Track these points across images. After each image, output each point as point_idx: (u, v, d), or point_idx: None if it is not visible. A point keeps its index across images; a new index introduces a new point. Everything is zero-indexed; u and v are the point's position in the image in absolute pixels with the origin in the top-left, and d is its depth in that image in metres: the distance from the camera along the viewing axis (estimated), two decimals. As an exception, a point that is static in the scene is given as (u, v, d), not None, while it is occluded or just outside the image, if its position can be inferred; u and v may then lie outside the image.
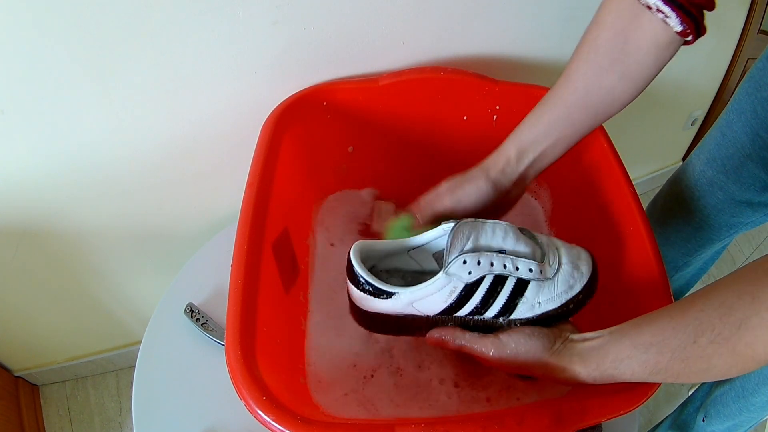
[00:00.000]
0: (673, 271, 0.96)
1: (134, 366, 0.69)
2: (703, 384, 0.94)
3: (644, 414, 1.17)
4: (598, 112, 0.53)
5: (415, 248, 0.57)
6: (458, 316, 0.53)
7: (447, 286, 0.50)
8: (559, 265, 0.52)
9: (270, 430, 0.45)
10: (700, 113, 1.37)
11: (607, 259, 0.66)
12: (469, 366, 0.66)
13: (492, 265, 0.50)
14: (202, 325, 0.71)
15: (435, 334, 0.54)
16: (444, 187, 0.59)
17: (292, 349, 0.64)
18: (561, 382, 0.49)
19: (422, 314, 0.53)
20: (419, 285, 0.51)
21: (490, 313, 0.52)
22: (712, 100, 1.36)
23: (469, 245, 0.50)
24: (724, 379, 0.43)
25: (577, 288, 0.52)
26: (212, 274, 0.77)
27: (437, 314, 0.53)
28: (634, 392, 0.48)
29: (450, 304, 0.51)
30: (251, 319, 0.52)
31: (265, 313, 0.54)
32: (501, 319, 0.52)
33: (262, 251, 0.57)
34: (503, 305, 0.51)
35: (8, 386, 1.10)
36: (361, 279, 0.52)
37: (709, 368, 0.39)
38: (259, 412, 0.45)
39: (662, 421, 1.04)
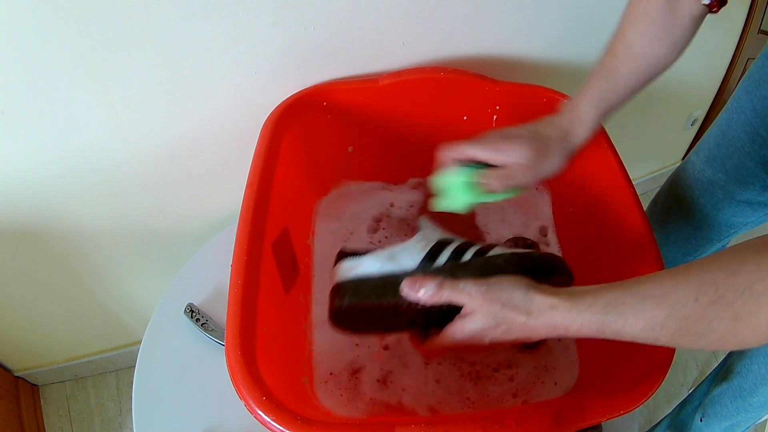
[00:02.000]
0: None
1: (134, 366, 0.69)
2: (701, 383, 0.94)
3: (644, 414, 1.17)
4: (651, 77, 0.57)
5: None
6: (437, 267, 0.55)
7: (421, 241, 0.56)
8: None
9: (270, 430, 0.45)
10: (700, 113, 1.37)
11: (608, 258, 0.66)
12: (471, 364, 0.66)
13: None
14: (202, 325, 0.71)
15: (410, 281, 0.51)
16: (517, 154, 0.55)
17: (292, 349, 0.64)
18: (547, 325, 0.45)
19: (403, 270, 0.55)
20: (397, 245, 0.57)
21: (467, 256, 0.54)
22: (712, 100, 1.35)
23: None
24: (721, 350, 0.42)
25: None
26: (212, 274, 0.77)
27: (417, 266, 0.55)
28: (634, 392, 0.48)
29: (426, 253, 0.55)
30: (251, 319, 0.52)
31: (265, 313, 0.54)
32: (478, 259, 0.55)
33: (262, 251, 0.57)
34: (477, 250, 0.54)
35: (8, 386, 1.10)
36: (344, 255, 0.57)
37: (708, 332, 0.38)
38: (259, 412, 0.45)
39: (660, 420, 1.04)
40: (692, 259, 0.92)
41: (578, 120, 0.57)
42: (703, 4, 0.52)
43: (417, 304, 0.51)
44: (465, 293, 0.48)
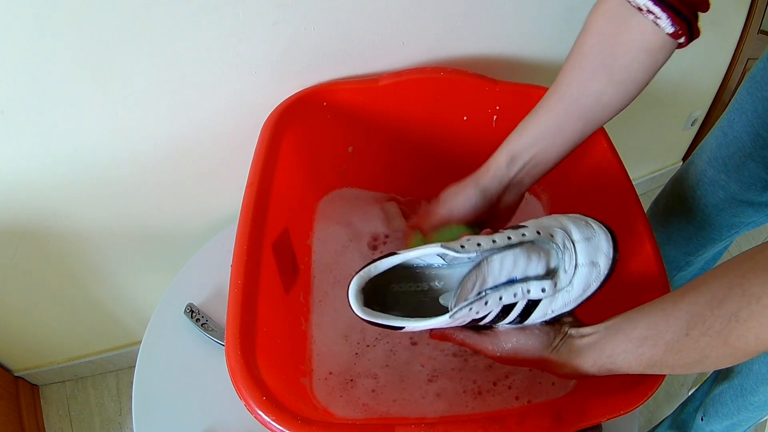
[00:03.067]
0: (675, 271, 0.96)
1: (134, 366, 0.69)
2: (702, 383, 0.94)
3: (644, 414, 1.17)
4: (587, 118, 0.52)
5: (410, 267, 0.54)
6: None
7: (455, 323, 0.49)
8: (576, 266, 0.49)
9: (270, 430, 0.45)
10: (700, 113, 1.37)
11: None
12: (474, 366, 0.66)
13: (500, 299, 0.48)
14: (202, 325, 0.71)
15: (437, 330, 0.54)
16: (440, 198, 0.61)
17: (292, 349, 0.64)
18: (561, 376, 0.50)
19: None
20: (424, 320, 0.49)
21: (501, 325, 0.52)
22: (712, 100, 1.36)
23: (474, 292, 0.48)
24: (719, 369, 0.44)
25: (594, 287, 0.50)
26: (212, 274, 0.77)
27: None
28: (634, 392, 0.48)
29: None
30: (251, 319, 0.52)
31: (265, 313, 0.54)
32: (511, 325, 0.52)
33: (262, 251, 0.57)
34: (513, 319, 0.50)
35: (8, 386, 1.10)
36: (365, 320, 0.50)
37: (703, 359, 0.40)
38: (259, 412, 0.45)
39: (662, 421, 1.04)
40: (694, 260, 0.93)
41: (489, 159, 0.58)
42: (667, 34, 0.46)
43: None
44: (484, 349, 0.52)
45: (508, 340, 0.50)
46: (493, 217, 0.61)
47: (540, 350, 0.50)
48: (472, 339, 0.52)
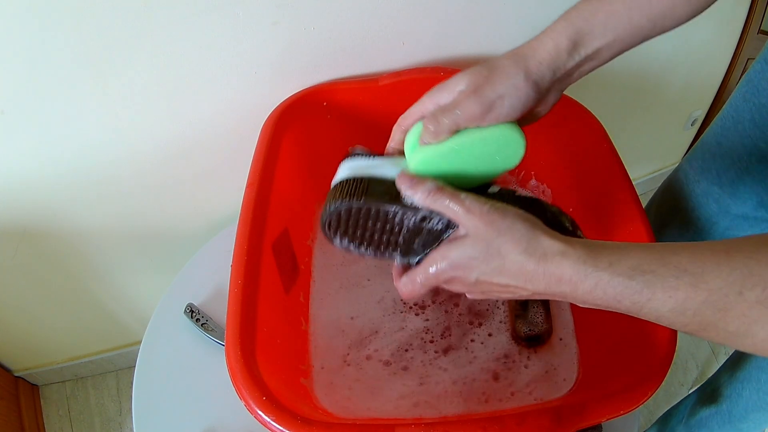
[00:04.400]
0: None
1: (134, 366, 0.69)
2: (685, 398, 0.91)
3: (644, 414, 1.17)
4: (656, 23, 0.45)
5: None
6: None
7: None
8: None
9: (270, 430, 0.45)
10: (700, 113, 1.37)
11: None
12: (472, 380, 0.66)
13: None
14: (202, 325, 0.71)
15: (405, 176, 0.43)
16: (463, 83, 0.44)
17: (292, 349, 0.64)
18: (549, 275, 0.37)
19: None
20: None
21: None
22: (712, 100, 1.35)
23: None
24: (750, 353, 0.34)
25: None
26: (212, 274, 0.77)
27: None
28: (634, 392, 0.48)
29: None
30: (251, 319, 0.52)
31: (265, 313, 0.54)
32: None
33: (262, 251, 0.57)
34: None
35: (8, 386, 1.10)
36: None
37: (746, 333, 0.31)
38: (259, 412, 0.45)
39: (648, 429, 1.02)
40: None
41: (541, 37, 0.46)
42: None
43: (413, 217, 0.43)
44: (464, 206, 0.39)
45: (498, 203, 0.40)
46: (532, 117, 0.48)
47: (532, 224, 0.38)
48: (444, 257, 0.41)
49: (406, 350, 0.67)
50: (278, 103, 0.71)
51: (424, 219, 0.44)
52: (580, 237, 0.43)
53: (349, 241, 0.47)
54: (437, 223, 0.43)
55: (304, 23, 0.67)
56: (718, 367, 0.84)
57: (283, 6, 0.64)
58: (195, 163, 0.80)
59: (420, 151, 0.45)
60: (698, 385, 0.95)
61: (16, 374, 1.15)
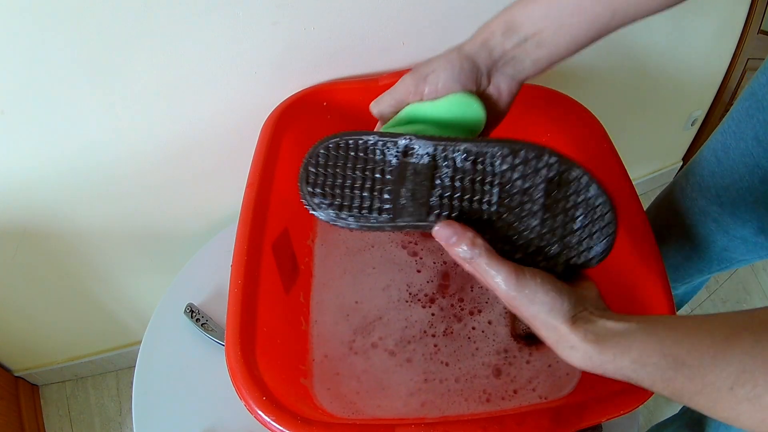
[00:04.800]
0: None
1: (134, 366, 0.69)
2: (671, 421, 0.91)
3: (644, 414, 1.17)
4: (616, 9, 0.44)
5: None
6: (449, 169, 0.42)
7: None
8: None
9: (270, 430, 0.45)
10: (700, 113, 1.37)
11: (607, 259, 0.66)
12: (472, 365, 0.66)
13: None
14: (202, 325, 0.71)
15: (446, 230, 0.41)
16: (412, 70, 0.48)
17: (292, 349, 0.64)
18: (565, 357, 0.40)
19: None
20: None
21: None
22: (712, 100, 1.36)
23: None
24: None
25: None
26: (212, 274, 0.77)
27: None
28: (634, 392, 0.48)
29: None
30: (251, 319, 0.52)
31: (265, 313, 0.54)
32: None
33: (262, 251, 0.57)
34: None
35: (8, 386, 1.10)
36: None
37: (732, 419, 0.34)
38: (259, 412, 0.45)
39: None
40: (678, 286, 0.86)
41: (478, 33, 0.48)
42: None
43: (394, 149, 0.42)
44: (495, 282, 0.40)
45: (532, 280, 0.40)
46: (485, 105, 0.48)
47: (557, 311, 0.40)
48: (489, 262, 0.40)
49: (408, 347, 0.67)
50: (278, 103, 0.71)
51: (407, 151, 0.41)
52: (597, 263, 0.44)
53: (330, 204, 0.42)
54: (423, 157, 0.41)
55: (304, 23, 0.67)
56: None
57: (283, 6, 0.64)
58: (195, 163, 0.80)
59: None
60: (665, 420, 0.93)
61: (16, 374, 1.15)
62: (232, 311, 0.51)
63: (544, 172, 0.42)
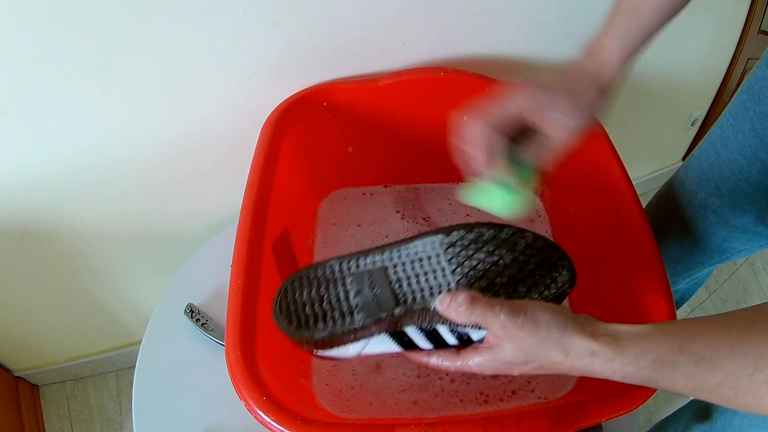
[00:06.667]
0: None
1: (134, 366, 0.69)
2: (681, 411, 0.91)
3: (644, 414, 1.17)
4: (673, 13, 0.50)
5: None
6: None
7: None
8: None
9: (270, 430, 0.45)
10: (700, 113, 1.37)
11: (607, 259, 0.66)
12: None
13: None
14: (202, 325, 0.71)
15: (418, 359, 0.47)
16: (565, 109, 0.47)
17: (293, 350, 0.64)
18: (584, 368, 0.40)
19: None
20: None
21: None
22: (712, 100, 1.36)
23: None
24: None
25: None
26: (212, 274, 0.77)
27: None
28: (634, 393, 0.48)
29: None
30: (251, 319, 0.52)
31: (265, 313, 0.54)
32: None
33: (262, 251, 0.57)
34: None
35: (8, 386, 1.10)
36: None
37: (755, 405, 0.36)
38: (259, 413, 0.45)
39: None
40: (680, 280, 0.87)
41: (605, 62, 0.49)
42: None
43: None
44: (498, 321, 0.41)
45: (512, 319, 0.41)
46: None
47: (557, 319, 0.41)
48: (488, 364, 0.43)
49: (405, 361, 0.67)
50: (278, 103, 0.71)
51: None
52: (570, 288, 0.48)
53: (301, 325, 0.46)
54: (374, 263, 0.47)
55: (304, 23, 0.67)
56: None
57: (283, 6, 0.64)
58: (195, 163, 0.80)
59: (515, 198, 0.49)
60: (673, 413, 0.93)
61: (16, 374, 1.15)
62: (232, 311, 0.51)
63: (489, 247, 0.48)
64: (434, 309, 0.44)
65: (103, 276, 0.97)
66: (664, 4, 0.49)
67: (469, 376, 0.65)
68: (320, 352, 0.47)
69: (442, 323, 0.45)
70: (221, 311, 0.70)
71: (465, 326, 0.44)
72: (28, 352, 1.12)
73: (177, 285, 0.77)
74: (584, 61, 0.50)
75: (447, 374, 0.65)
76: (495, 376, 0.65)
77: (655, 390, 0.48)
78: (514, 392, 0.64)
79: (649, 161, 1.48)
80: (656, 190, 0.88)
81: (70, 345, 1.15)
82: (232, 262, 0.54)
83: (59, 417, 1.19)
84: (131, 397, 0.67)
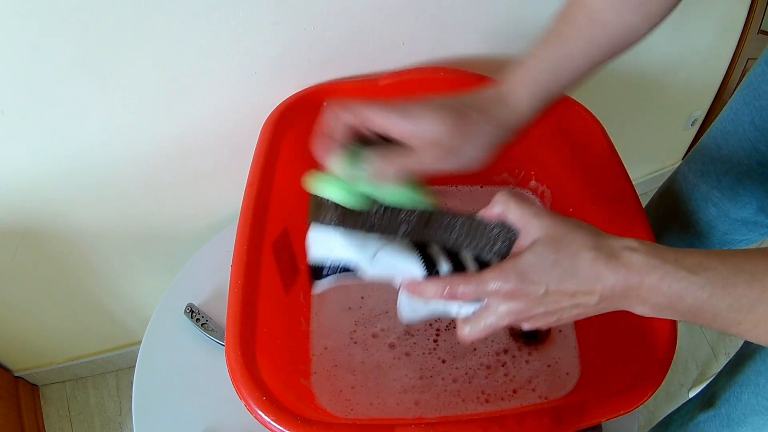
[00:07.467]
0: None
1: (134, 366, 0.69)
2: (686, 403, 0.91)
3: (644, 414, 1.17)
4: (612, 52, 0.48)
5: None
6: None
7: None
8: None
9: (270, 430, 0.45)
10: (700, 113, 1.37)
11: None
12: (470, 364, 0.66)
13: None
14: (202, 325, 0.71)
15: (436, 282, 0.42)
16: (435, 127, 0.44)
17: (293, 349, 0.64)
18: (619, 269, 0.37)
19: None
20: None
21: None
22: (712, 100, 1.36)
23: None
24: None
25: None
26: (212, 274, 0.77)
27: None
28: (634, 392, 0.48)
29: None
30: (251, 319, 0.52)
31: (265, 313, 0.54)
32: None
33: (262, 251, 0.57)
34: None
35: (8, 386, 1.10)
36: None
37: None
38: (259, 413, 0.45)
39: None
40: None
41: (514, 96, 0.47)
42: None
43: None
44: (532, 211, 0.39)
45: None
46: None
47: (590, 249, 0.37)
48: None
49: (408, 346, 0.67)
50: (278, 103, 0.71)
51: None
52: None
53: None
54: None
55: (304, 23, 0.67)
56: (718, 371, 0.84)
57: (283, 6, 0.64)
58: (195, 163, 0.80)
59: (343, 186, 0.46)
60: (698, 385, 0.95)
61: (16, 374, 1.15)
62: (232, 311, 0.51)
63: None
64: (465, 219, 0.43)
65: (103, 276, 0.97)
66: (602, 41, 0.46)
67: (471, 376, 0.65)
68: (334, 238, 0.44)
69: (467, 246, 0.42)
70: (221, 311, 0.70)
71: (492, 242, 0.41)
72: (28, 352, 1.12)
73: (177, 285, 0.77)
74: (490, 91, 0.48)
75: (450, 375, 0.65)
76: (495, 377, 0.65)
77: (654, 388, 0.48)
78: (515, 391, 0.64)
79: (648, 161, 1.48)
80: (656, 190, 0.88)
81: (70, 345, 1.15)
82: (232, 262, 0.54)
83: (59, 417, 1.19)
84: (131, 397, 0.67)
